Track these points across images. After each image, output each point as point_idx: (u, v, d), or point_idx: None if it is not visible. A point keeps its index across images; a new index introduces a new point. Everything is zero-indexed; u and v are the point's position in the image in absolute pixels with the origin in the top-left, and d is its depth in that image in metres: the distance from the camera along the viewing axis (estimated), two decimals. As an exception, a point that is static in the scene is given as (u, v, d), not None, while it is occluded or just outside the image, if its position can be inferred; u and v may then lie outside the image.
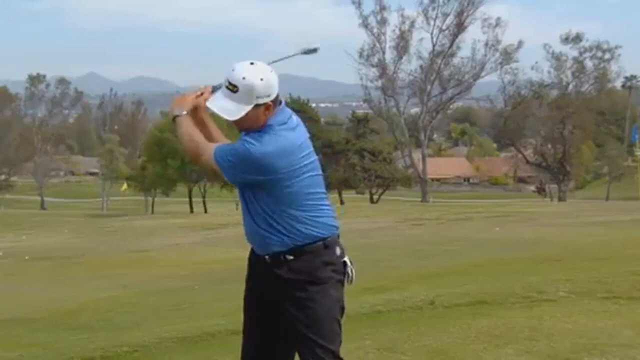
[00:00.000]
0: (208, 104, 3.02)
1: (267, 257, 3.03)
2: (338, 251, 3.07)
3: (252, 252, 3.17)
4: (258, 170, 2.91)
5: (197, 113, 3.21)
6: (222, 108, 2.92)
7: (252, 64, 2.93)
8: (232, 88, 2.89)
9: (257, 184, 2.97)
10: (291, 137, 2.98)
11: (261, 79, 2.90)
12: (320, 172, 3.12)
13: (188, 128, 3.11)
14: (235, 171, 2.96)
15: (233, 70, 2.92)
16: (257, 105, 2.92)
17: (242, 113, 2.91)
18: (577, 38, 60.95)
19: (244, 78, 2.89)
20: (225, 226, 28.14)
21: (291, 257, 2.99)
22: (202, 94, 3.17)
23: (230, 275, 12.14)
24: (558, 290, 6.61)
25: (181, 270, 14.60)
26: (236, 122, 2.95)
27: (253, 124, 2.96)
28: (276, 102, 2.99)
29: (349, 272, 3.09)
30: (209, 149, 3.04)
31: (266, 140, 2.92)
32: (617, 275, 7.34)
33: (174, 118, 3.12)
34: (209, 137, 3.18)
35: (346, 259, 3.10)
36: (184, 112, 3.12)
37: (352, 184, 65.53)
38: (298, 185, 2.98)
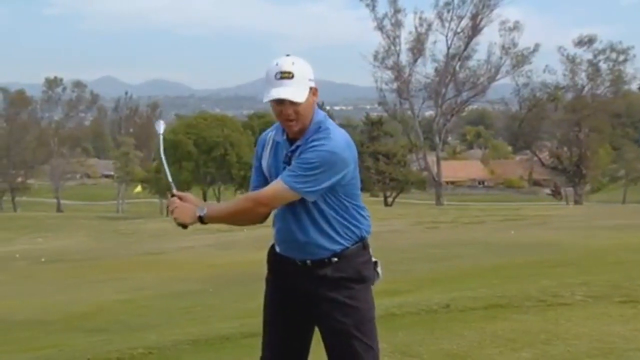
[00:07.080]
0: (270, 96, 2.84)
1: (308, 261, 2.98)
2: (371, 250, 3.09)
3: (274, 252, 3.10)
4: (342, 166, 2.86)
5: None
6: (288, 93, 2.83)
7: (288, 55, 2.94)
8: (287, 75, 2.84)
9: (330, 187, 2.89)
10: (339, 127, 2.99)
11: (304, 62, 2.92)
12: None
13: (223, 207, 3.00)
14: (322, 182, 2.84)
15: (277, 64, 2.87)
16: (310, 88, 2.90)
17: (307, 94, 2.86)
18: (590, 41, 60.57)
19: (293, 63, 2.88)
20: (240, 229, 28.09)
21: (336, 259, 2.96)
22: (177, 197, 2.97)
23: (245, 278, 12.15)
24: (574, 294, 6.56)
25: (195, 273, 14.62)
26: (299, 110, 2.86)
27: (308, 113, 2.90)
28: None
29: (378, 271, 3.11)
30: (267, 192, 2.89)
31: (333, 134, 2.89)
32: (634, 280, 7.28)
33: (203, 221, 2.92)
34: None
35: (374, 258, 3.11)
36: (204, 211, 2.91)
37: (366, 187, 65.46)
38: (356, 178, 3.00)
